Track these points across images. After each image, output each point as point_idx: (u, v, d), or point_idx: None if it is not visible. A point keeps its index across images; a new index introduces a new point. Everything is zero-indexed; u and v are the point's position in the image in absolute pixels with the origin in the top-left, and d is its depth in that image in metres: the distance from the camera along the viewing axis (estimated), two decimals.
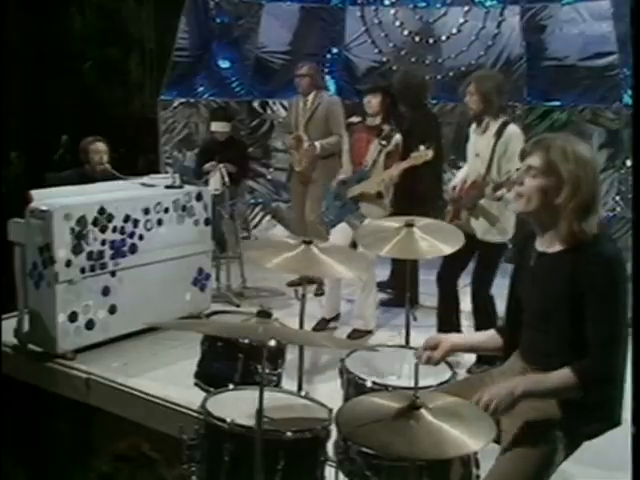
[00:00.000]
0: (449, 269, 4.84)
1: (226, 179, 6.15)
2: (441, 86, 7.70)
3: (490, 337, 2.97)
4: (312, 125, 6.34)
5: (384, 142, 5.22)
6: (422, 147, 4.94)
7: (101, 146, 5.88)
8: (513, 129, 4.59)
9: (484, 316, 4.72)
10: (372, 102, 5.29)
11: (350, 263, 3.38)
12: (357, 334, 5.38)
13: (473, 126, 4.77)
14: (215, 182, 6.10)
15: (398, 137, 5.25)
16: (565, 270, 2.57)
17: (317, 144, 6.22)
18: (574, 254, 2.57)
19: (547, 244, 2.67)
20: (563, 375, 2.53)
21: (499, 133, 4.55)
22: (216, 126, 6.66)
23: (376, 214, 5.15)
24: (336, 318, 5.63)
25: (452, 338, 2.97)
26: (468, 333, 4.50)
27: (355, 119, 5.57)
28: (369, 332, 5.44)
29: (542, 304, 2.67)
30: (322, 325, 5.50)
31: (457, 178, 4.94)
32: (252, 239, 7.66)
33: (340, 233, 5.31)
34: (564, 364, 2.56)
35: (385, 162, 5.23)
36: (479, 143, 4.69)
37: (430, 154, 4.94)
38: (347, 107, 6.52)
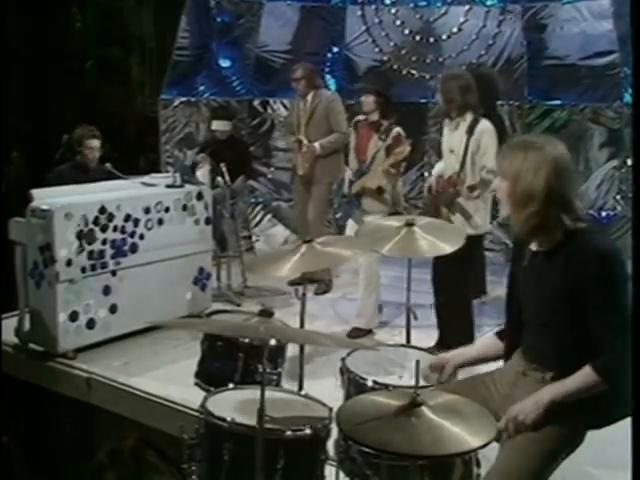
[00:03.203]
0: (440, 268, 4.87)
1: (227, 178, 6.14)
2: None
3: (490, 344, 2.98)
4: (313, 125, 6.34)
5: (383, 136, 5.32)
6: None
7: (90, 140, 5.89)
8: (485, 125, 4.68)
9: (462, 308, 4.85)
10: (366, 101, 5.39)
11: (352, 245, 3.40)
12: (357, 332, 5.38)
13: (446, 122, 4.87)
14: (203, 175, 6.05)
15: (397, 130, 5.32)
16: (559, 266, 2.58)
17: (317, 145, 6.21)
18: (567, 249, 2.58)
19: (539, 243, 2.69)
20: (585, 375, 2.53)
21: (471, 130, 4.65)
22: (217, 125, 6.65)
23: (377, 209, 5.28)
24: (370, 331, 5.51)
25: (455, 359, 2.98)
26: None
27: (361, 117, 5.62)
28: (369, 331, 5.45)
29: (541, 302, 2.67)
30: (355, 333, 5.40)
31: (432, 175, 5.03)
32: (253, 239, 7.68)
33: (351, 229, 5.39)
34: (565, 362, 2.57)
35: (386, 157, 5.29)
36: (452, 139, 4.78)
37: (407, 149, 5.09)
38: (350, 107, 6.54)
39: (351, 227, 5.40)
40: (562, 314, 2.60)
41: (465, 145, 4.66)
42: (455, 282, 4.79)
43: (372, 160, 5.35)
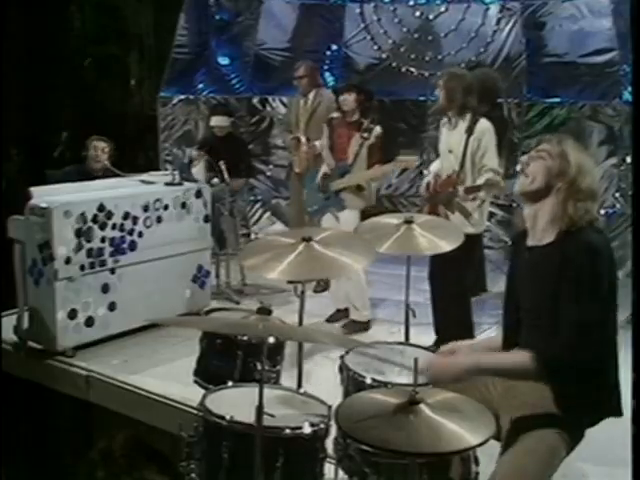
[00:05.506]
0: (438, 266, 4.86)
1: (226, 176, 6.13)
2: None
3: (493, 339, 3.02)
4: (313, 123, 6.34)
5: (365, 135, 5.31)
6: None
7: (100, 144, 5.94)
8: (484, 124, 4.63)
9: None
10: (347, 99, 5.39)
11: (355, 253, 3.23)
12: (353, 325, 5.40)
13: (444, 121, 4.83)
14: (199, 172, 6.03)
15: (378, 129, 5.33)
16: (554, 260, 2.59)
17: (317, 144, 6.22)
18: (562, 244, 2.60)
19: (538, 238, 2.70)
20: (519, 357, 2.58)
21: (470, 129, 4.59)
22: (216, 121, 6.64)
23: (355, 205, 5.36)
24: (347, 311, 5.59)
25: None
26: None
27: (335, 114, 5.61)
28: (365, 324, 5.46)
29: (534, 298, 2.69)
30: (335, 317, 5.54)
31: (429, 174, 5.02)
32: (252, 237, 7.66)
33: (327, 224, 5.43)
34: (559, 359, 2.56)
35: (368, 155, 5.31)
36: (451, 139, 4.74)
37: (415, 163, 5.10)
38: None
39: (327, 221, 5.44)
40: (554, 310, 2.59)
41: (464, 145, 4.60)
42: (453, 280, 4.78)
43: (355, 159, 5.33)
